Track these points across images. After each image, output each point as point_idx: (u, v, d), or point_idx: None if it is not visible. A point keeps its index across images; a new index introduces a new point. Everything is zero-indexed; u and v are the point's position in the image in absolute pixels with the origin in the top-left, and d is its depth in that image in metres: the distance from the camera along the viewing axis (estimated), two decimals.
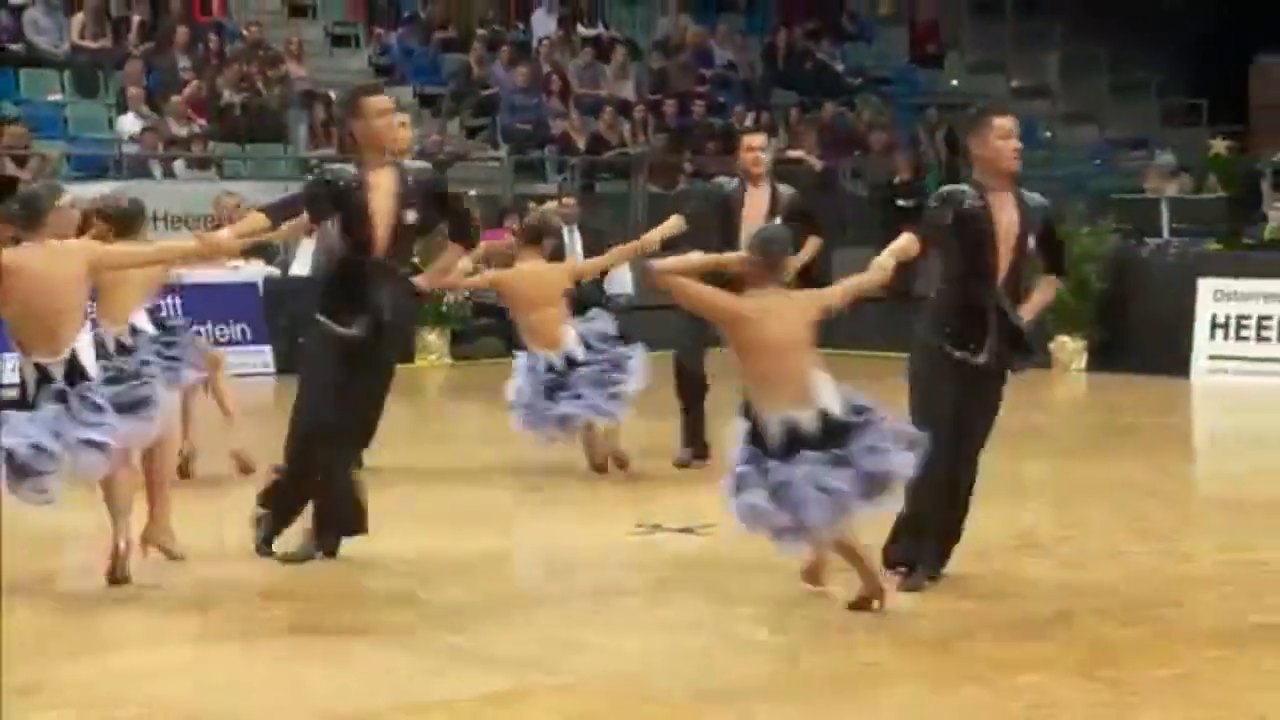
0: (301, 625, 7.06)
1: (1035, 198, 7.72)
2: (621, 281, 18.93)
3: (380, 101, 8.09)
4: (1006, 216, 7.53)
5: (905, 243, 7.48)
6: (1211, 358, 16.72)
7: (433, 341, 17.60)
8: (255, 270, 16.76)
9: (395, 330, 8.29)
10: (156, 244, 10.73)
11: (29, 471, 7.40)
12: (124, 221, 9.84)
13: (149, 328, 10.11)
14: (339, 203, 7.98)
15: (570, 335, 10.60)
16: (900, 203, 21.73)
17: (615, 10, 25.75)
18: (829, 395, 7.03)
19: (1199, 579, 8.02)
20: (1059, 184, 23.73)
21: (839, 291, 7.43)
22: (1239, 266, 17.11)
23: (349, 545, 8.33)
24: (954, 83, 27.29)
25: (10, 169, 18.49)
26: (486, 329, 17.85)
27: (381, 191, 7.99)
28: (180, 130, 19.72)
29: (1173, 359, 16.60)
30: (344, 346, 7.98)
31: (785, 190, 10.72)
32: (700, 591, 7.67)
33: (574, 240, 17.70)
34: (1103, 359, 16.78)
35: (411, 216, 8.05)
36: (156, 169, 19.23)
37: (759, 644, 6.84)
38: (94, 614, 7.24)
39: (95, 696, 5.95)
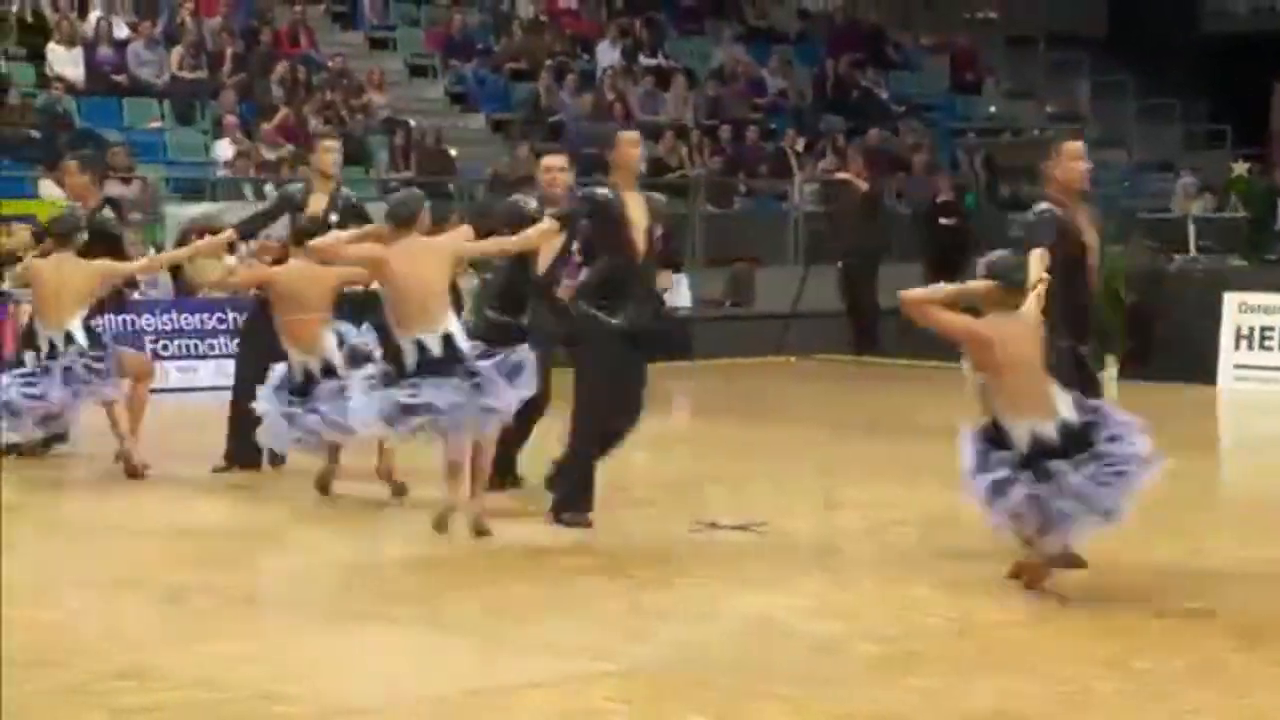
0: (374, 615, 7.05)
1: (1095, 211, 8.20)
2: (681, 294, 18.92)
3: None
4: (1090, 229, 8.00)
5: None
6: (1237, 367, 16.60)
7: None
8: None
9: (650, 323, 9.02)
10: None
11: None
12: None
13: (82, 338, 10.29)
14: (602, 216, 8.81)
15: (330, 342, 9.53)
16: (942, 221, 21.63)
17: (674, 42, 25.73)
18: (1065, 404, 7.22)
19: (1224, 575, 7.93)
20: (1091, 203, 23.61)
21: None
22: (1262, 281, 17.01)
23: (424, 541, 8.34)
24: (991, 109, 27.17)
25: (116, 190, 18.63)
26: None
27: (636, 209, 8.82)
28: (270, 155, 19.82)
29: (1199, 368, 16.50)
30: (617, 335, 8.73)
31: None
32: (751, 585, 7.62)
33: None
34: (1133, 368, 16.65)
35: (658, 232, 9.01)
36: (249, 190, 19.33)
37: (806, 634, 6.79)
38: (188, 604, 7.25)
39: (190, 680, 5.96)
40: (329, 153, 10.65)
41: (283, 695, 5.78)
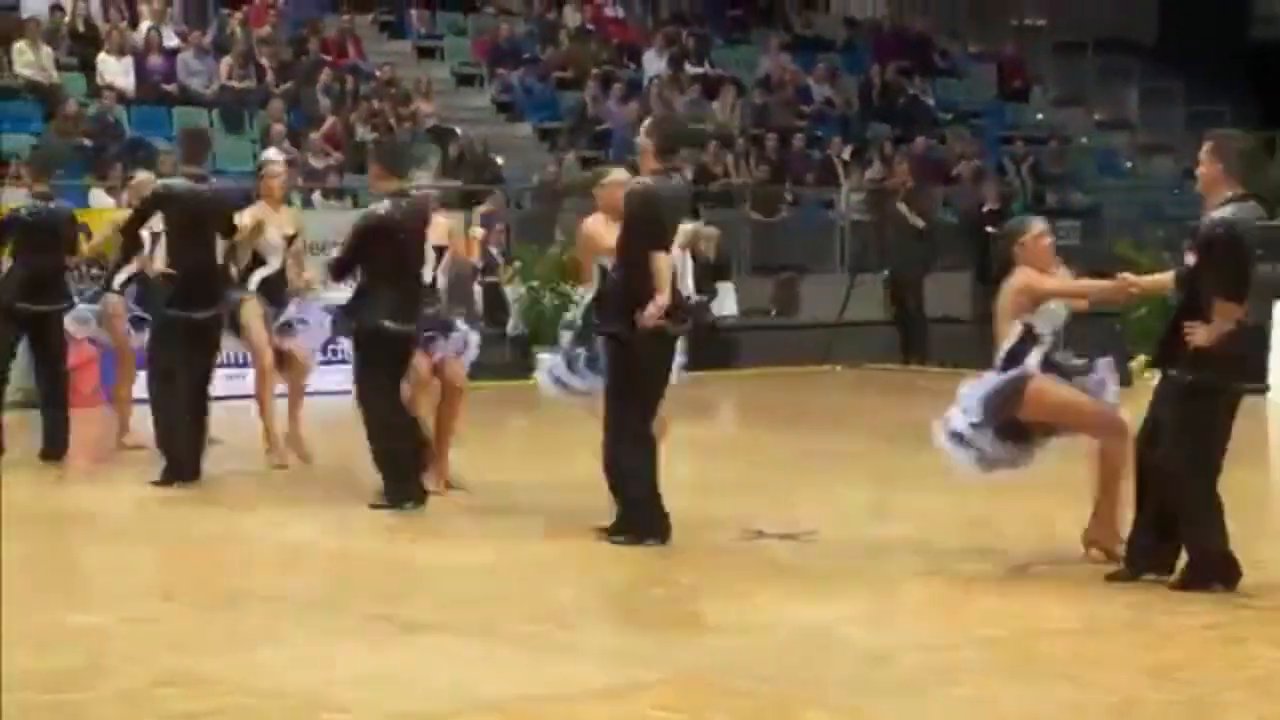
0: (420, 622, 7.08)
1: (1216, 215, 7.78)
2: (728, 303, 18.91)
3: None
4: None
5: (1165, 279, 8.10)
6: None
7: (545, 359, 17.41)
8: None
9: None
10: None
11: None
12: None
13: None
14: None
15: None
16: (989, 229, 21.53)
17: (720, 50, 25.75)
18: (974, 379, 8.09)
19: (1272, 585, 7.88)
20: (1139, 211, 23.49)
21: (1056, 284, 8.19)
22: None
23: (469, 549, 8.36)
24: (1039, 116, 27.07)
25: None
26: None
27: None
28: (318, 163, 19.92)
29: (1249, 377, 16.33)
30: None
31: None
32: (799, 595, 7.62)
33: (686, 267, 17.57)
34: None
35: None
36: (296, 199, 19.42)
37: (852, 643, 6.79)
38: (233, 612, 7.30)
39: (239, 686, 5.99)
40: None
41: (331, 702, 5.81)
